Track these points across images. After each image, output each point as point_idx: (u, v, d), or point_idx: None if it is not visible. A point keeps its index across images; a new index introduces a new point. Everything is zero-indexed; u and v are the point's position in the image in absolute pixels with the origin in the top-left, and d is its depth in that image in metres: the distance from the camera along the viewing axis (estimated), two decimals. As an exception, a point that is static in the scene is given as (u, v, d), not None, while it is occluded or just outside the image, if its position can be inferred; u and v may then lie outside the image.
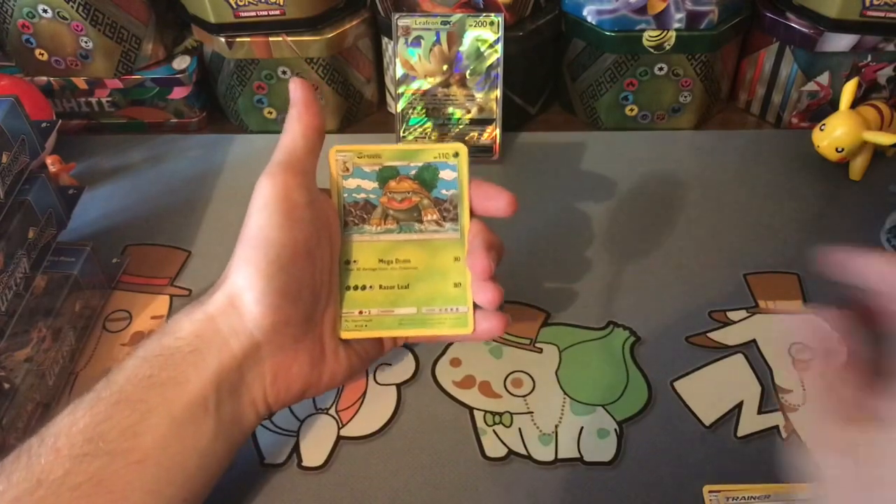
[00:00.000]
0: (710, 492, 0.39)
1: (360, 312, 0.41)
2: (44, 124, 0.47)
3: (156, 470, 0.32)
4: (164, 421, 0.33)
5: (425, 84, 0.59)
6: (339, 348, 0.40)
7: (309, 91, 0.40)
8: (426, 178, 0.42)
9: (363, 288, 0.41)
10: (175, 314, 0.37)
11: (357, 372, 0.41)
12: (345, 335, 0.40)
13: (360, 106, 0.67)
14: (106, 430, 0.32)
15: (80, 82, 0.63)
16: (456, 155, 0.41)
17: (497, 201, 0.40)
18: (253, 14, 0.59)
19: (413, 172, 0.42)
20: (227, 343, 0.35)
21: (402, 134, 0.60)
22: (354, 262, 0.41)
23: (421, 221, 0.42)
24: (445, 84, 0.59)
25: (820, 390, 0.26)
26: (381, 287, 0.41)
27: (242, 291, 0.35)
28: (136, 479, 0.32)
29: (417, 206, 0.42)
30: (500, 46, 0.57)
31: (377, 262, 0.41)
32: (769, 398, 0.44)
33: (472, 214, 0.42)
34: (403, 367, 0.46)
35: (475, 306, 0.41)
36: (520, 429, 0.43)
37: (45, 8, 0.59)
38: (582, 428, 0.43)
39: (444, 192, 0.41)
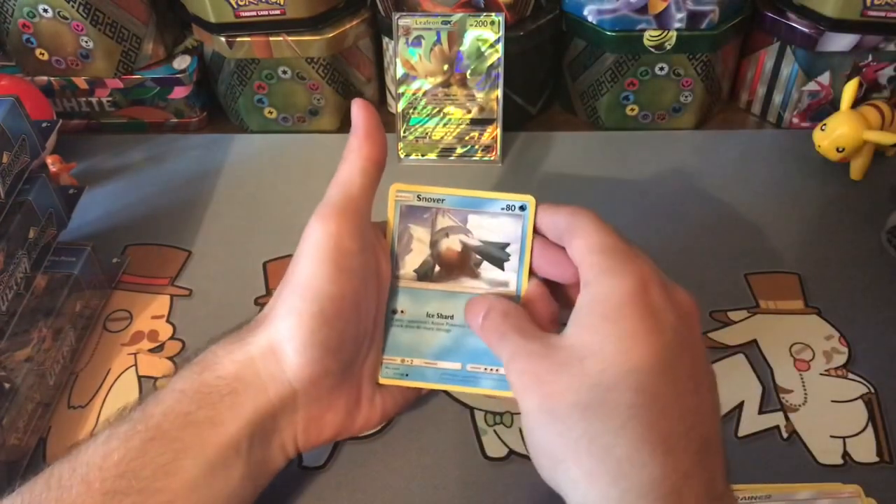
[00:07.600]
0: (710, 492, 0.39)
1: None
2: (44, 124, 0.47)
3: None
4: (197, 462, 0.32)
5: (426, 84, 0.59)
6: (376, 394, 0.38)
7: (372, 116, 0.37)
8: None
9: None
10: (215, 345, 0.35)
11: (390, 416, 0.40)
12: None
13: (360, 106, 0.67)
14: (139, 467, 0.32)
15: (81, 82, 0.63)
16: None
17: (564, 270, 0.36)
18: (253, 14, 0.59)
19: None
20: (264, 389, 0.34)
21: (402, 134, 0.60)
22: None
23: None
24: (446, 84, 0.59)
25: (502, 319, 0.35)
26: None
27: (283, 341, 0.34)
28: None
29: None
30: (500, 46, 0.57)
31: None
32: (770, 398, 0.44)
33: (531, 274, 0.38)
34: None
35: None
36: (520, 429, 0.43)
37: (46, 7, 0.59)
38: (582, 428, 0.43)
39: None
